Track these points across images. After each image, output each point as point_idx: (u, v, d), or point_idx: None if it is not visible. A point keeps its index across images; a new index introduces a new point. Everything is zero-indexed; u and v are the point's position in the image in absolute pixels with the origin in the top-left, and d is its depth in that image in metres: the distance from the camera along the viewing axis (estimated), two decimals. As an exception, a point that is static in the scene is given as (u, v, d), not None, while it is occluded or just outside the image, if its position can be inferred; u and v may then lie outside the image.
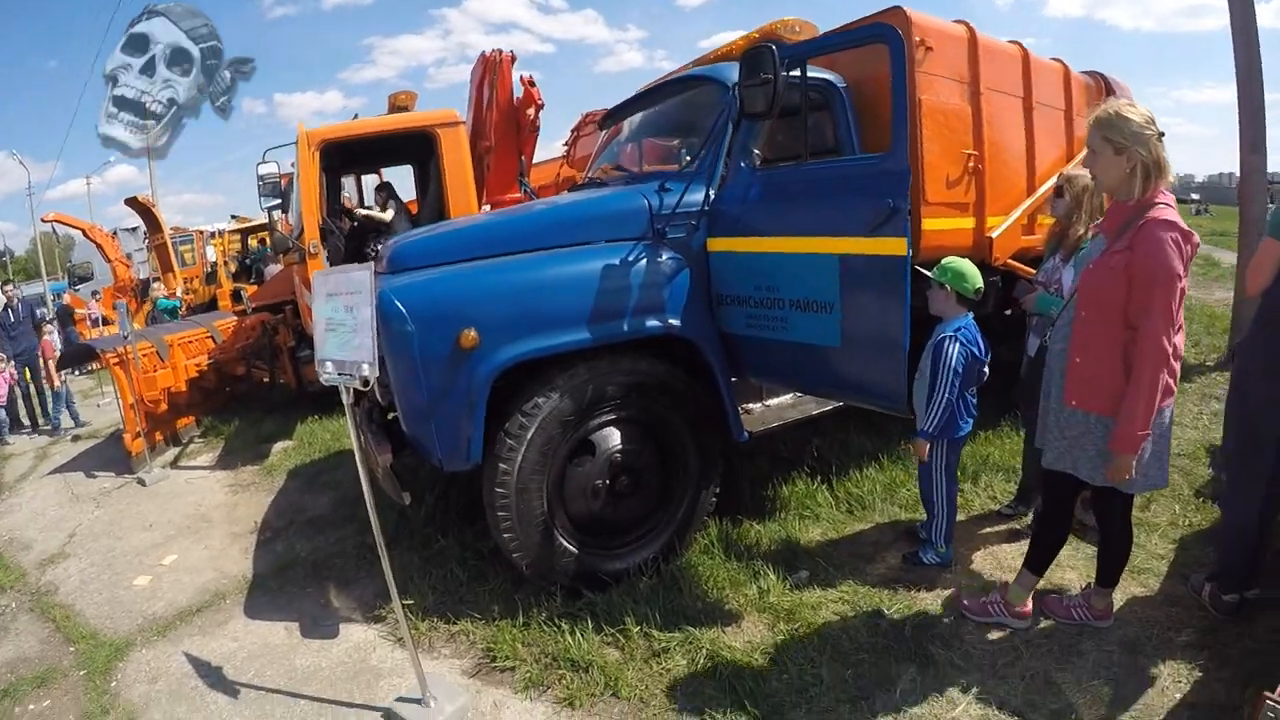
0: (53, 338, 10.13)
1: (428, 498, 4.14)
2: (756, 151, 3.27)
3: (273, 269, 10.82)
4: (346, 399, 2.93)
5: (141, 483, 5.77)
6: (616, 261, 3.04)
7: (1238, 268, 6.88)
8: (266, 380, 7.05)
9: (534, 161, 6.96)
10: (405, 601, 3.07)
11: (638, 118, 4.35)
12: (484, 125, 6.50)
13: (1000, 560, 3.36)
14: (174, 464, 6.29)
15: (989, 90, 4.01)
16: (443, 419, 2.88)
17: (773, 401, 3.80)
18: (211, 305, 11.87)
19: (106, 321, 13.40)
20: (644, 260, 3.09)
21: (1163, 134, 2.29)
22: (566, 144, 7.97)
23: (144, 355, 6.25)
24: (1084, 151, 2.50)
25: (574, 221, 3.28)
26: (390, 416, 3.58)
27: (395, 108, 6.93)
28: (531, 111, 6.37)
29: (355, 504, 4.50)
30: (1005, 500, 3.83)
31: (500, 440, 2.93)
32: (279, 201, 7.15)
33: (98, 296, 16.43)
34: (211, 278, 14.55)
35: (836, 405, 3.67)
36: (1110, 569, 2.75)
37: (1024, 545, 3.14)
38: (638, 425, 3.22)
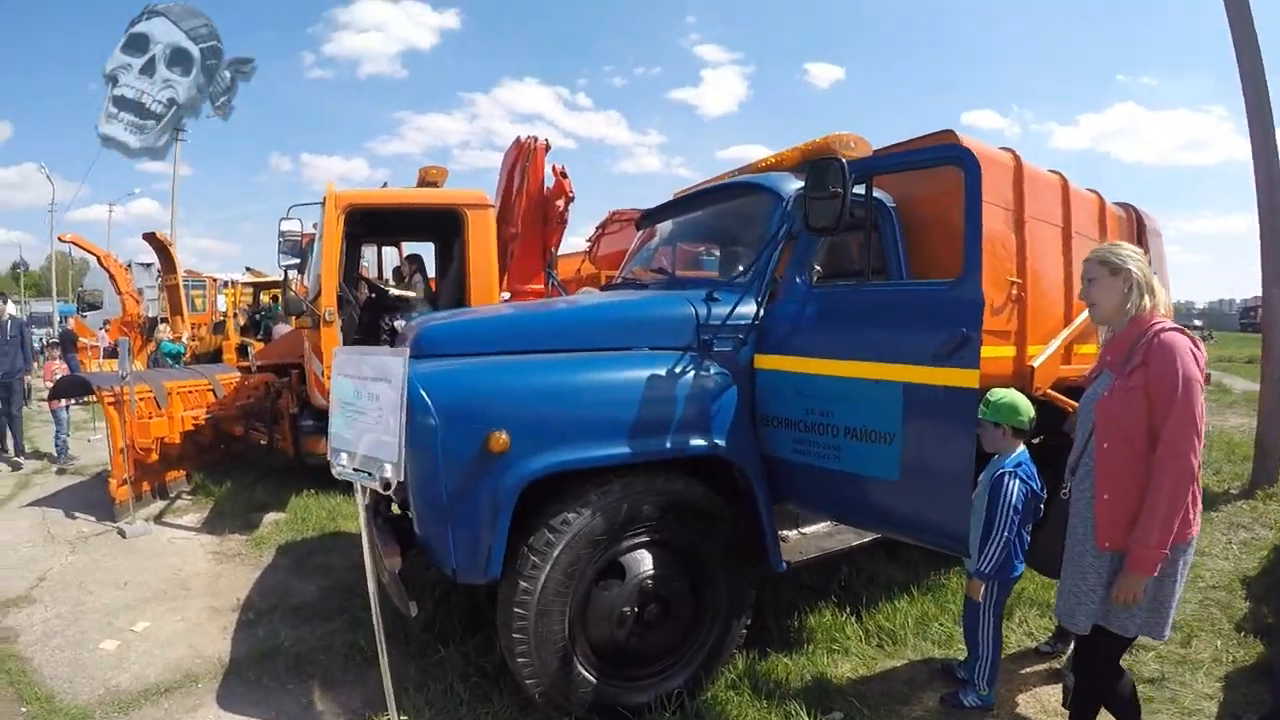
0: (56, 363, 9.91)
1: (428, 601, 3.83)
2: (818, 268, 3.17)
3: (281, 328, 10.69)
4: (361, 499, 2.72)
5: (122, 534, 5.52)
6: (663, 373, 2.88)
7: (1261, 395, 6.81)
8: (264, 443, 6.79)
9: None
10: (401, 719, 2.79)
11: (678, 221, 4.27)
12: (511, 212, 6.45)
13: (1043, 702, 3.16)
14: (158, 518, 6.01)
15: (1032, 219, 3.98)
16: (461, 526, 2.65)
17: (809, 530, 3.59)
18: (216, 356, 11.68)
19: (116, 354, 13.21)
20: (691, 373, 2.93)
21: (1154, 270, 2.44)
22: (590, 240, 7.88)
23: (141, 399, 6.06)
24: None
25: (616, 324, 3.14)
26: (398, 511, 3.36)
27: (425, 182, 6.89)
28: (561, 203, 6.34)
29: (346, 595, 4.22)
30: (1043, 637, 3.64)
31: (523, 556, 2.69)
32: (297, 261, 7.06)
33: (107, 326, 16.27)
34: (220, 328, 14.38)
35: (875, 536, 3.47)
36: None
37: (1066, 685, 2.94)
38: (669, 549, 2.99)
